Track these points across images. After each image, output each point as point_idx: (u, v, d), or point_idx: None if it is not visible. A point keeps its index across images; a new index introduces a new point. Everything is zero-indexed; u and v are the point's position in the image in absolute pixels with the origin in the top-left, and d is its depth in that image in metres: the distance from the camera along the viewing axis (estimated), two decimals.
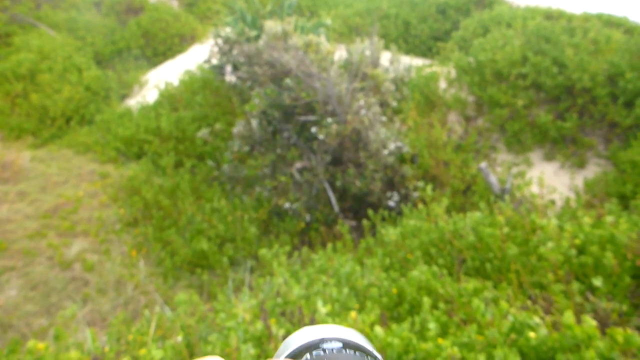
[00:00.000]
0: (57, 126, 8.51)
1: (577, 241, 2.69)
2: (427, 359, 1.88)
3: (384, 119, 5.47)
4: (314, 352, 0.34)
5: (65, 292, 4.59)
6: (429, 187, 3.95)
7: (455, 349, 1.85)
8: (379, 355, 0.38)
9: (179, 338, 2.46)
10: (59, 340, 2.32)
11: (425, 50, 9.86)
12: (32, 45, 9.78)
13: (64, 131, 8.53)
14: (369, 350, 0.37)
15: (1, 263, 4.91)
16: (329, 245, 3.88)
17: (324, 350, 0.34)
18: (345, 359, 0.32)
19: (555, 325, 2.08)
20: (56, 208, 5.98)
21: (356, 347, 0.36)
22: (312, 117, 5.50)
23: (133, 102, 9.36)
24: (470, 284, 2.42)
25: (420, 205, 4.02)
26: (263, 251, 3.77)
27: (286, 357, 0.36)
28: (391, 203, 5.05)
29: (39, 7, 12.01)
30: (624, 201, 4.47)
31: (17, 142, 8.05)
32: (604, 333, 2.03)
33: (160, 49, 11.80)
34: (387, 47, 7.52)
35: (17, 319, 4.18)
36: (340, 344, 0.36)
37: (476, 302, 2.16)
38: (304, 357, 0.34)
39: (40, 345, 2.09)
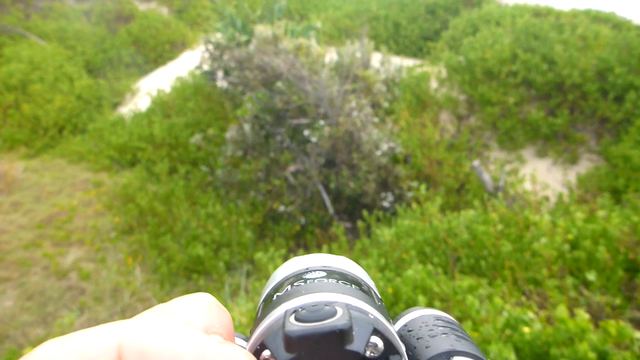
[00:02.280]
0: (49, 136, 8.49)
1: (570, 236, 2.71)
2: None
3: (376, 120, 5.48)
4: (295, 283, 0.33)
5: (62, 302, 4.58)
6: (423, 187, 3.97)
7: None
8: (370, 283, 0.37)
9: None
10: None
11: (415, 50, 9.89)
12: (23, 55, 9.75)
13: (56, 141, 8.50)
14: (356, 278, 0.35)
15: None
16: (325, 247, 3.89)
17: (305, 281, 0.33)
18: (325, 288, 0.31)
19: (549, 320, 2.10)
20: (51, 218, 5.96)
21: (341, 276, 0.34)
22: (304, 120, 5.52)
23: (125, 110, 9.34)
24: (465, 281, 2.44)
25: (414, 205, 4.04)
26: (259, 255, 3.77)
27: (270, 290, 0.35)
28: (385, 204, 5.06)
29: (28, 18, 11.97)
30: (616, 195, 4.50)
31: (9, 153, 8.02)
32: (597, 326, 2.05)
33: (151, 56, 11.79)
34: (377, 49, 7.54)
35: (14, 329, 4.16)
36: (324, 273, 0.34)
37: (471, 299, 2.18)
38: (285, 289, 0.32)
39: None
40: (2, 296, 4.60)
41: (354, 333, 0.25)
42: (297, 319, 0.26)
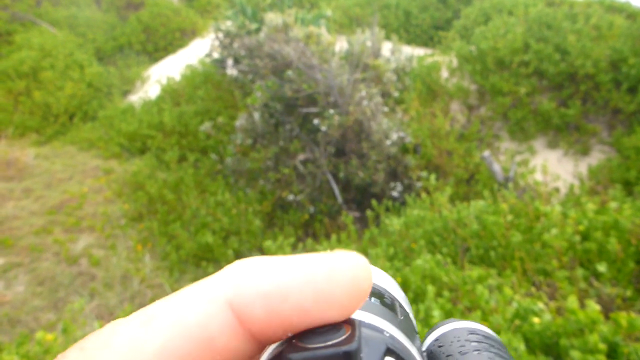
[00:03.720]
0: (60, 123, 8.54)
1: (581, 227, 2.69)
2: None
3: (386, 109, 5.46)
4: None
5: (72, 287, 4.62)
6: (433, 177, 3.95)
7: None
8: (395, 294, 0.35)
9: None
10: (67, 333, 2.34)
11: (426, 39, 9.81)
12: (34, 43, 9.79)
13: (67, 128, 8.55)
14: (379, 289, 0.33)
15: (8, 259, 4.94)
16: (334, 236, 3.89)
17: None
18: None
19: (559, 311, 2.09)
20: (61, 204, 6.01)
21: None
22: (314, 109, 5.50)
23: (135, 98, 9.37)
24: (475, 271, 2.43)
25: (424, 195, 4.03)
26: (267, 243, 3.78)
27: None
28: (395, 193, 5.05)
29: (39, 5, 12.01)
30: (628, 187, 4.46)
31: (21, 140, 8.08)
32: (607, 318, 2.04)
33: (161, 44, 11.79)
34: (388, 38, 7.49)
35: (25, 314, 4.22)
36: None
37: (480, 289, 2.17)
38: None
39: (49, 336, 2.11)
40: (14, 281, 4.66)
41: (362, 355, 0.23)
42: (300, 340, 0.24)
